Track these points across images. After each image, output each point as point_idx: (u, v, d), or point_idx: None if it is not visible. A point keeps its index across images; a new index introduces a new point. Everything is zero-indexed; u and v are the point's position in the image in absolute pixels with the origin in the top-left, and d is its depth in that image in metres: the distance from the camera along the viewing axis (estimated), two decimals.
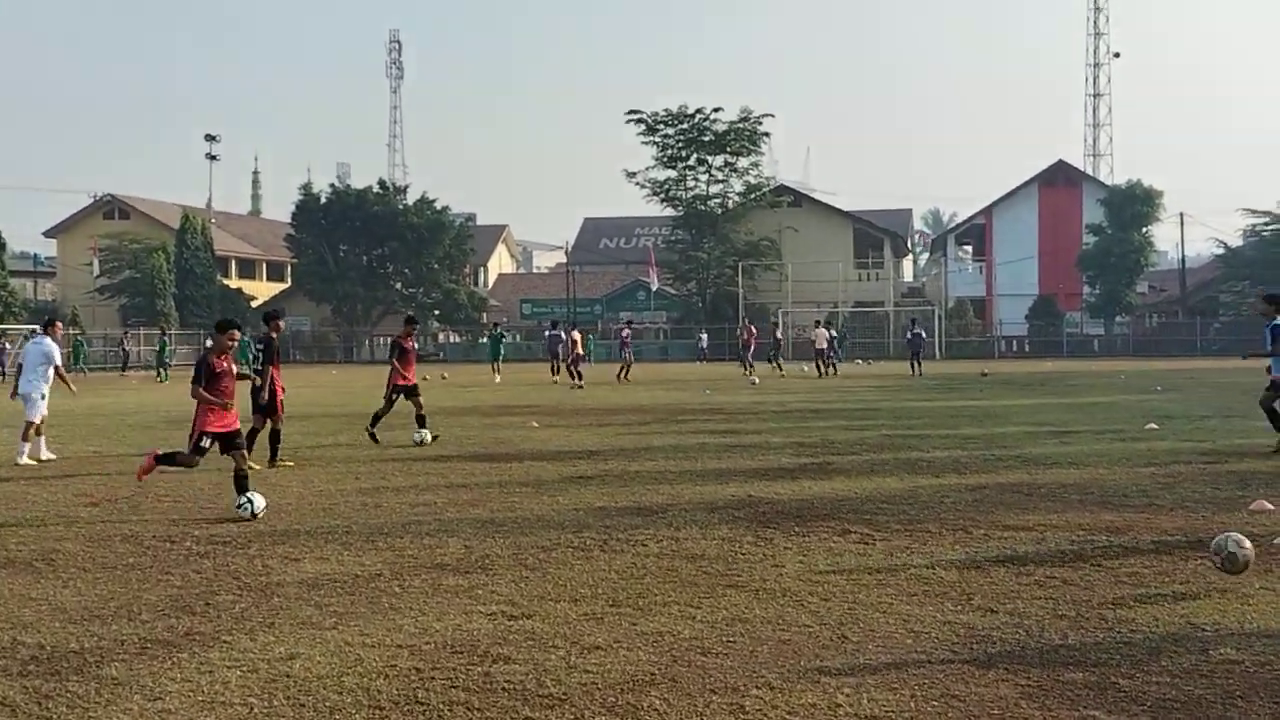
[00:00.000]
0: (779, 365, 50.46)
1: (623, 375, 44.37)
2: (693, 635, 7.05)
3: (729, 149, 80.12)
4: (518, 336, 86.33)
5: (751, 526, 10.84)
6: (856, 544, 9.96)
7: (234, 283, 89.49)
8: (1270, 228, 76.40)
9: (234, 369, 12.91)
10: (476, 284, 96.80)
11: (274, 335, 16.91)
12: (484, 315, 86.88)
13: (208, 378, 12.39)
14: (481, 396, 34.02)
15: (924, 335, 50.14)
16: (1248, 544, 8.24)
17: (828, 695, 5.89)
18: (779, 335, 54.86)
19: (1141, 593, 8.00)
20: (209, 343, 13.15)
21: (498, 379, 44.32)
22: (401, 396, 19.63)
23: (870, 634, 7.07)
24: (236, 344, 13.04)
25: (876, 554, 9.52)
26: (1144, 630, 7.04)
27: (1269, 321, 16.83)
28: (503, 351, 49.52)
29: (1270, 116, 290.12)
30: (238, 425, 12.67)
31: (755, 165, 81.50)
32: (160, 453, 13.01)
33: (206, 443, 12.35)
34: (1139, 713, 5.59)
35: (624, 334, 50.42)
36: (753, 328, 53.26)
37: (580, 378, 39.50)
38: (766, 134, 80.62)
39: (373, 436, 19.09)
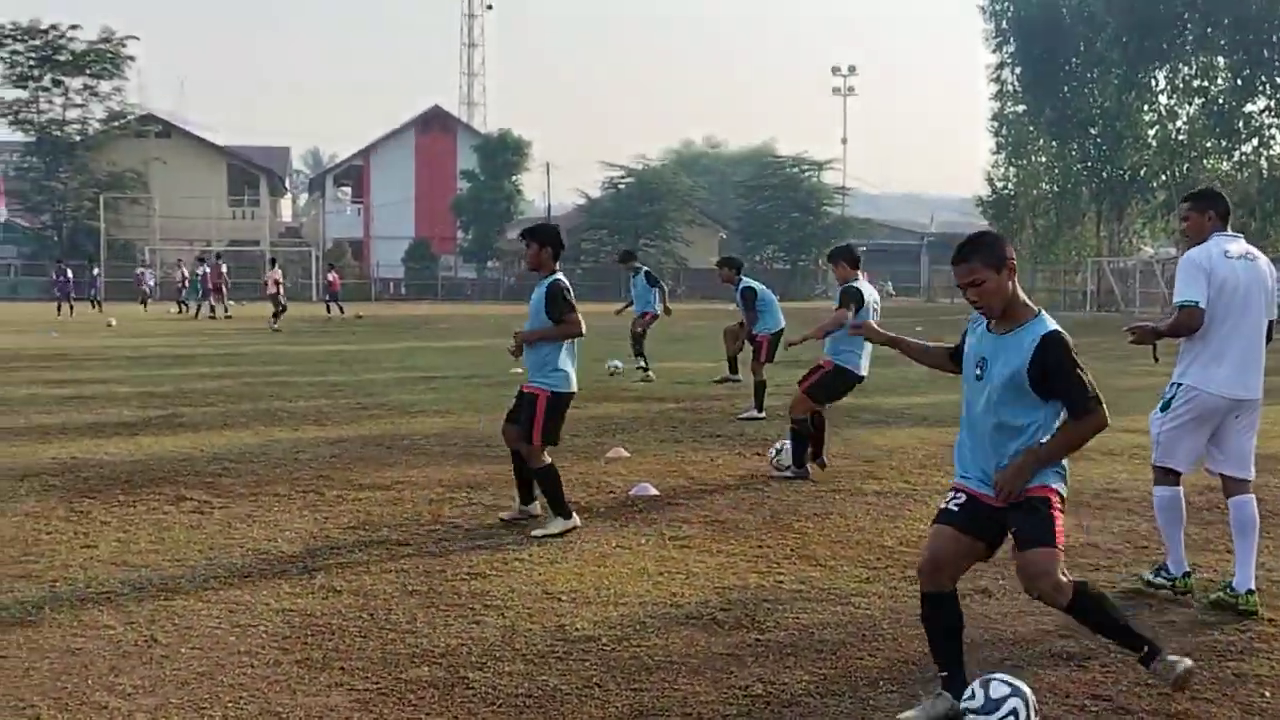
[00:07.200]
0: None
1: None
2: None
3: (89, 70, 73.74)
4: None
5: (66, 497, 9.21)
6: (190, 514, 8.68)
7: None
8: (625, 180, 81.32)
9: None
10: None
11: None
12: None
13: None
14: None
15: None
16: None
17: None
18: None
19: (498, 559, 7.37)
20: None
21: None
22: None
23: (185, 635, 5.89)
24: None
25: (212, 526, 8.29)
26: (499, 605, 6.38)
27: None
28: None
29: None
30: None
31: (119, 90, 75.71)
32: None
33: None
34: (488, 715, 4.86)
35: None
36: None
37: None
38: (131, 57, 75.07)
39: None
